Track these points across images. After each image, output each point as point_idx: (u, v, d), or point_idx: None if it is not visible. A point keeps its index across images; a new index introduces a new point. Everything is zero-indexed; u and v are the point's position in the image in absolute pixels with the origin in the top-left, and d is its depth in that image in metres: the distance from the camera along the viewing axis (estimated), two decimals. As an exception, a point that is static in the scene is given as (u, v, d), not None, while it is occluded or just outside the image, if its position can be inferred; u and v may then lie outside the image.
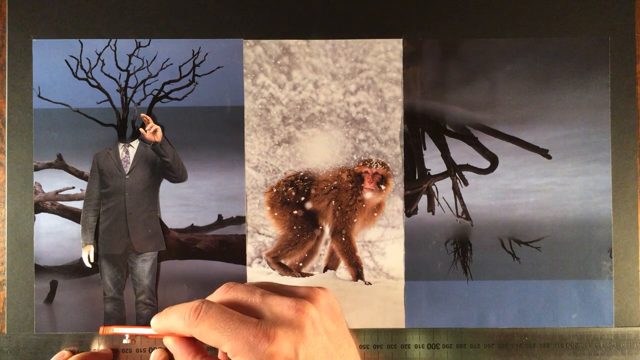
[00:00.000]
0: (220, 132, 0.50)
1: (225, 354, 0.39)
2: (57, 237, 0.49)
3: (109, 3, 0.50)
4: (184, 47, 0.50)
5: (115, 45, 0.50)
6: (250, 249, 0.50)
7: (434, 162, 0.50)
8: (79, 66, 0.50)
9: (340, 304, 0.49)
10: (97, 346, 0.48)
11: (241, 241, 0.50)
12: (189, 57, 0.50)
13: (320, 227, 0.51)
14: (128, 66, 0.50)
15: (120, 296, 0.49)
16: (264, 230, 0.50)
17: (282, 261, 0.50)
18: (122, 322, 0.49)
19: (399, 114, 0.50)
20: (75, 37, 0.49)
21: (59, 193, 0.49)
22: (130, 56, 0.50)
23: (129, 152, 0.50)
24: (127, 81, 0.50)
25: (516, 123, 0.50)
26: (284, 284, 0.40)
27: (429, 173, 0.50)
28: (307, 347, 0.36)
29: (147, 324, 0.48)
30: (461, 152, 0.50)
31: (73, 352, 0.48)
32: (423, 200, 0.50)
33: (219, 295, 0.38)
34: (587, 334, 0.49)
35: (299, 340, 0.36)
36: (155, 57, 0.50)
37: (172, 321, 0.38)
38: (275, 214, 0.50)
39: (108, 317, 0.49)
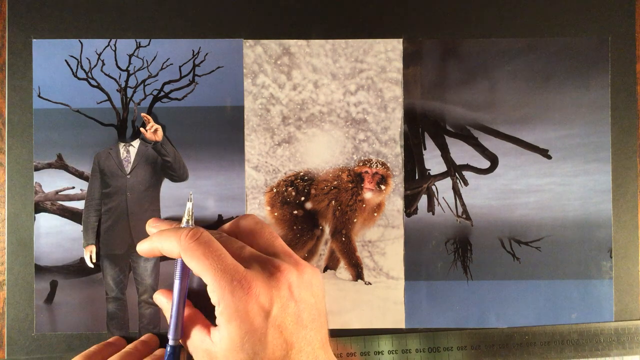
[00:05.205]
0: (220, 132, 0.50)
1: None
2: (57, 237, 0.49)
3: (109, 3, 0.49)
4: (184, 47, 0.50)
5: (115, 45, 0.50)
6: (250, 249, 0.50)
7: (434, 162, 0.50)
8: (79, 66, 0.49)
9: (340, 304, 0.49)
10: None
11: (241, 241, 0.50)
12: (189, 57, 0.50)
13: (320, 227, 0.51)
14: (128, 66, 0.50)
15: (123, 296, 0.49)
16: (264, 230, 0.50)
17: (283, 261, 0.50)
18: (126, 322, 0.49)
19: (399, 114, 0.50)
20: (75, 37, 0.49)
21: (59, 193, 0.49)
22: (130, 56, 0.50)
23: (129, 151, 0.50)
24: (127, 81, 0.50)
25: (516, 123, 0.50)
26: (287, 248, 0.42)
27: (429, 173, 0.50)
28: (281, 307, 0.37)
29: (149, 324, 0.49)
30: (461, 152, 0.50)
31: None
32: (423, 200, 0.50)
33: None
34: (588, 330, 0.49)
35: (275, 296, 0.37)
36: (155, 57, 0.50)
37: (163, 240, 0.40)
38: (275, 214, 0.50)
39: (110, 317, 0.49)
